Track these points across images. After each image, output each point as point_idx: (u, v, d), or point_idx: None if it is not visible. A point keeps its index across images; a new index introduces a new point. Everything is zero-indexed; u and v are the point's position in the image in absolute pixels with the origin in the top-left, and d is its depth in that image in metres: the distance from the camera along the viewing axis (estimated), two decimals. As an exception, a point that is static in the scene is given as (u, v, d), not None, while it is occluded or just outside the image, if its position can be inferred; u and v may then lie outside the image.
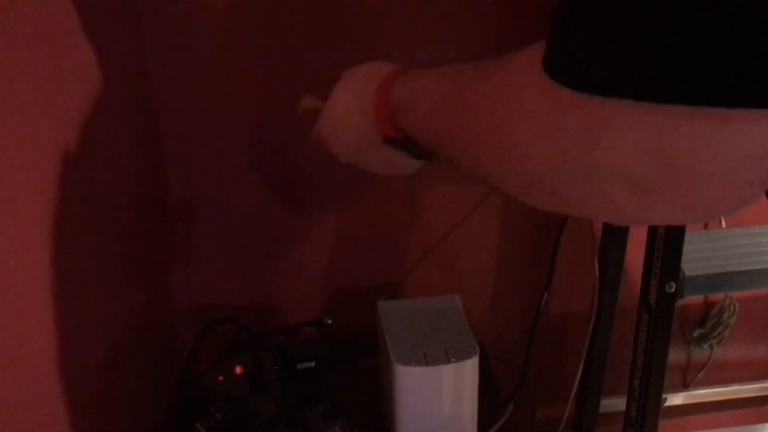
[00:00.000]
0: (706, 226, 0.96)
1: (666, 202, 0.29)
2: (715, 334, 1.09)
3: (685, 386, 1.17)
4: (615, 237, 0.86)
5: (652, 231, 0.82)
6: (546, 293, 0.89)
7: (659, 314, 0.86)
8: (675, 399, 1.15)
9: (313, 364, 0.80)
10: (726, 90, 0.24)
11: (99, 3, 0.60)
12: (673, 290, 0.83)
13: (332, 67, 0.80)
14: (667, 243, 0.80)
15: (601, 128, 0.29)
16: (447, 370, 0.67)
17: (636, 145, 0.28)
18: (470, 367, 0.68)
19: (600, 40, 0.28)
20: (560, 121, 0.31)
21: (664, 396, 0.95)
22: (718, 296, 1.06)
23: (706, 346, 1.10)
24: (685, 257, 0.81)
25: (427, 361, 0.67)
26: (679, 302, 0.88)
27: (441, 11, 0.78)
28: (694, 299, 1.07)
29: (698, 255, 0.88)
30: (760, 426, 1.22)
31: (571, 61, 0.30)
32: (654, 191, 0.29)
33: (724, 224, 0.96)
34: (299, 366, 0.80)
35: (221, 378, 0.78)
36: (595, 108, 0.29)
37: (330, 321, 0.89)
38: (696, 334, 1.10)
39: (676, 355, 1.11)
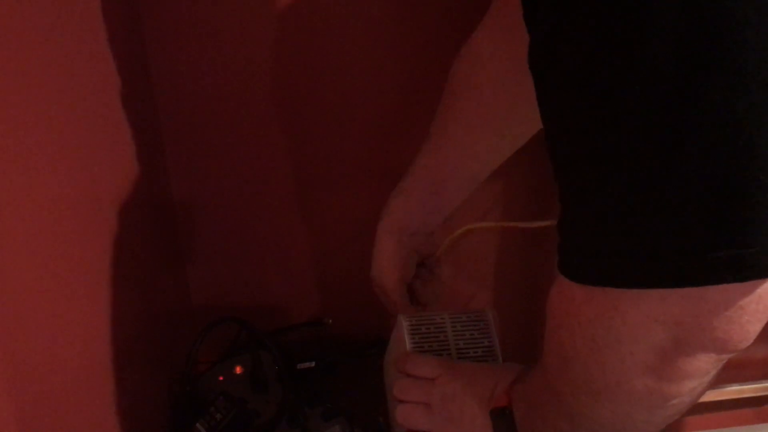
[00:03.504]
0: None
1: (692, 352, 0.35)
2: (715, 334, 1.08)
3: (685, 386, 1.16)
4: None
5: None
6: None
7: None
8: (675, 399, 1.14)
9: (313, 364, 0.80)
10: (697, 275, 0.31)
11: (99, 1, 0.60)
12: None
13: (336, 67, 0.81)
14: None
15: (610, 309, 0.35)
16: None
17: (645, 316, 0.34)
18: None
19: (598, 247, 0.34)
20: (575, 310, 0.38)
21: (664, 396, 0.95)
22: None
23: (706, 346, 1.10)
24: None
25: None
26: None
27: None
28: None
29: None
30: (760, 426, 1.21)
31: (579, 262, 0.36)
32: (670, 349, 0.35)
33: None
34: (299, 366, 0.80)
35: (221, 378, 0.78)
36: (602, 294, 0.35)
37: (330, 321, 0.89)
38: (696, 334, 1.10)
39: (676, 355, 1.11)
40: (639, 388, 0.37)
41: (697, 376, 0.37)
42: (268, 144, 0.83)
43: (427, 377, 0.59)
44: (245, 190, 0.85)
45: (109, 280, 0.60)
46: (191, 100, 0.78)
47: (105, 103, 0.62)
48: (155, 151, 0.79)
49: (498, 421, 0.50)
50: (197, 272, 0.89)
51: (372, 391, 0.79)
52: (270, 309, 0.94)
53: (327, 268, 0.93)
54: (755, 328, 0.34)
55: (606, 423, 0.41)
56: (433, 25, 0.78)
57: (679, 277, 0.31)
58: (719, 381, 1.15)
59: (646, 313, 0.34)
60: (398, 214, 0.69)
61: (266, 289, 0.93)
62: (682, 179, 0.30)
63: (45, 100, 0.48)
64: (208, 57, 0.76)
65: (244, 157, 0.83)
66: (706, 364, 0.36)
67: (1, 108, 0.41)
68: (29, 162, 0.45)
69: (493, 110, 0.63)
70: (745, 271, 0.30)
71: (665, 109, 0.29)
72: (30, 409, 0.44)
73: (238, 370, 0.79)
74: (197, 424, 0.71)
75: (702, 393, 0.39)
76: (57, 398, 0.49)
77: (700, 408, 1.19)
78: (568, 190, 0.36)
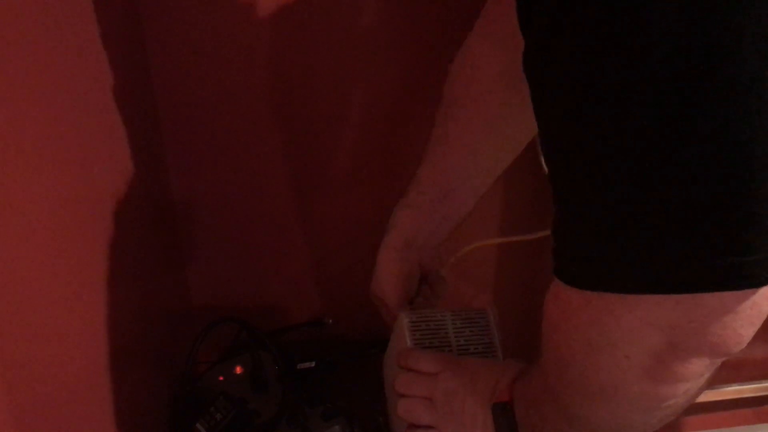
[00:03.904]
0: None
1: (683, 355, 0.35)
2: (715, 334, 1.08)
3: (685, 386, 1.17)
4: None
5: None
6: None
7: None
8: (675, 399, 1.14)
9: (313, 364, 0.80)
10: (693, 281, 0.31)
11: (99, 1, 0.60)
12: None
13: (336, 67, 0.81)
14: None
15: (606, 314, 0.35)
16: None
17: (640, 320, 0.34)
18: None
19: (594, 252, 0.34)
20: (571, 314, 0.38)
21: (664, 396, 0.95)
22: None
23: (706, 346, 1.10)
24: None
25: None
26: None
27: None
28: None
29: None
30: (759, 426, 1.21)
31: (575, 267, 0.36)
32: (664, 352, 0.35)
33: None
34: (299, 366, 0.80)
35: (221, 378, 0.78)
36: (598, 299, 0.35)
37: (330, 321, 0.89)
38: (696, 334, 1.10)
39: (676, 355, 1.11)
40: (635, 390, 0.37)
41: (692, 379, 0.37)
42: (267, 144, 0.83)
43: (429, 372, 0.59)
44: (245, 190, 0.85)
45: (109, 280, 0.60)
46: (191, 100, 0.78)
47: (105, 103, 0.62)
48: (155, 151, 0.79)
49: (499, 417, 0.51)
50: (197, 272, 0.89)
51: (372, 391, 0.79)
52: (270, 309, 0.94)
53: (327, 268, 0.93)
54: (749, 333, 0.34)
55: (603, 424, 0.41)
56: (431, 27, 0.78)
57: (676, 284, 0.32)
58: (719, 381, 1.15)
59: (642, 317, 0.34)
60: (405, 227, 0.68)
61: (266, 289, 0.93)
62: (680, 186, 0.30)
63: (44, 100, 0.48)
64: (207, 57, 0.76)
65: (244, 157, 0.83)
66: (700, 367, 0.36)
67: (0, 108, 0.41)
68: (28, 162, 0.45)
69: (492, 116, 0.63)
70: (742, 280, 0.31)
71: (663, 114, 0.29)
72: (29, 409, 0.44)
73: (238, 370, 0.79)
74: (197, 424, 0.71)
75: (698, 394, 0.39)
76: (57, 398, 0.49)
77: (700, 408, 1.19)
78: (563, 194, 0.36)
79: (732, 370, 1.16)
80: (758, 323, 0.34)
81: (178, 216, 0.85)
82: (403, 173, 0.88)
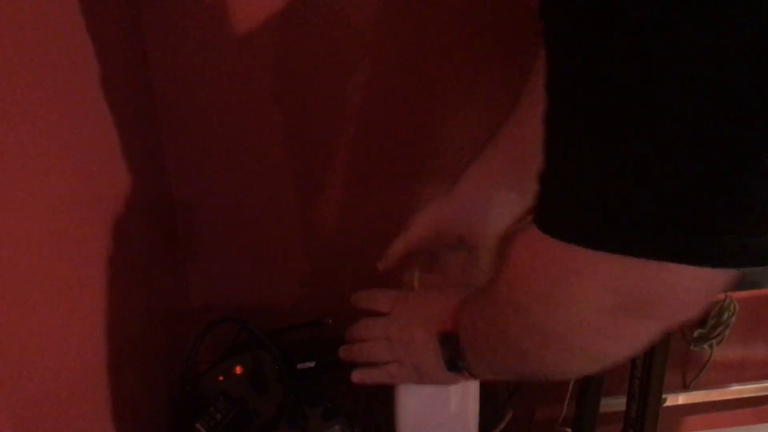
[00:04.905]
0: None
1: (630, 322, 0.38)
2: (715, 334, 1.09)
3: (685, 386, 1.17)
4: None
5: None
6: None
7: (659, 314, 0.86)
8: (675, 399, 1.15)
9: (313, 364, 0.80)
10: (661, 249, 0.32)
11: (99, 2, 0.60)
12: (673, 290, 0.83)
13: (336, 66, 0.81)
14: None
15: (571, 272, 0.37)
16: None
17: (600, 284, 0.36)
18: None
19: (574, 205, 0.35)
20: (539, 265, 0.39)
21: (664, 396, 0.95)
22: (718, 296, 1.06)
23: (706, 346, 1.11)
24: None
25: None
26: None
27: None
28: (694, 299, 1.07)
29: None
30: (760, 426, 1.22)
31: (553, 216, 0.37)
32: (618, 313, 0.37)
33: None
34: (299, 366, 0.80)
35: (221, 378, 0.78)
36: (568, 253, 0.36)
37: (330, 321, 0.89)
38: (696, 334, 1.10)
39: (676, 355, 1.11)
40: (584, 342, 0.40)
41: (638, 339, 0.40)
42: (267, 144, 0.83)
43: (384, 312, 0.62)
44: (245, 190, 0.85)
45: (109, 281, 0.60)
46: (191, 100, 0.78)
47: (105, 104, 0.62)
48: (155, 151, 0.79)
49: (444, 345, 0.54)
50: (197, 272, 0.90)
51: (372, 391, 0.79)
52: (270, 309, 0.94)
53: (327, 268, 0.93)
54: (697, 309, 0.37)
55: (547, 363, 0.44)
56: (433, 26, 0.78)
57: (642, 250, 0.33)
58: (719, 381, 1.16)
59: (602, 281, 0.36)
60: (471, 181, 0.63)
61: (266, 289, 0.93)
62: (673, 161, 0.30)
63: (44, 101, 0.48)
64: (208, 57, 0.76)
65: (243, 158, 0.83)
66: (648, 330, 0.39)
67: (1, 108, 0.41)
68: (29, 163, 0.45)
69: None
70: (704, 259, 0.32)
71: (668, 91, 0.29)
72: (29, 408, 0.44)
73: (238, 370, 0.79)
74: (197, 424, 0.71)
75: (636, 353, 0.42)
76: (57, 398, 0.49)
77: (700, 408, 1.19)
78: (557, 142, 0.35)
79: (732, 370, 1.16)
80: (707, 301, 0.36)
81: (178, 216, 0.85)
82: (403, 174, 0.88)
